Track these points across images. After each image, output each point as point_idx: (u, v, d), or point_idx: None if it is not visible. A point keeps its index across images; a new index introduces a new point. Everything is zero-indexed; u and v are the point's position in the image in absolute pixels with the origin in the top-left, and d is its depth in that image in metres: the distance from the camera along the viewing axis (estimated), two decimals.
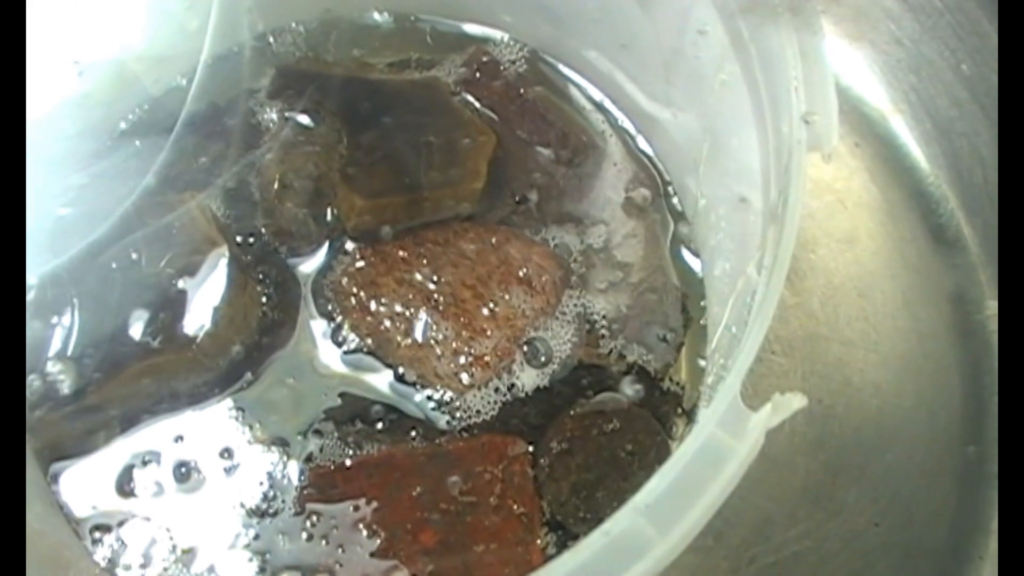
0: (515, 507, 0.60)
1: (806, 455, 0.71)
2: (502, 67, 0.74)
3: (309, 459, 0.62)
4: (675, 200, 0.70)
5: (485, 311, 0.65)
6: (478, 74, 0.73)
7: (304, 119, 0.70)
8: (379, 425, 0.62)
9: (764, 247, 0.52)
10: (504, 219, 0.68)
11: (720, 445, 0.43)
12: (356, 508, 0.60)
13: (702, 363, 0.65)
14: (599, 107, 0.74)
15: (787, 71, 0.51)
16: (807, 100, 0.50)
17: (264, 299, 0.66)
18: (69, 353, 0.62)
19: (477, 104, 0.72)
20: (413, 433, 0.62)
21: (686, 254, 0.69)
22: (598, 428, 0.63)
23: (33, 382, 0.62)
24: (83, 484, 0.61)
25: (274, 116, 0.71)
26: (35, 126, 0.65)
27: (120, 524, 0.60)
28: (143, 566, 0.59)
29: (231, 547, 0.60)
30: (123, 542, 0.60)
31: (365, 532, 0.59)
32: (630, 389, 0.64)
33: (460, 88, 0.73)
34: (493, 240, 0.67)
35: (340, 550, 0.59)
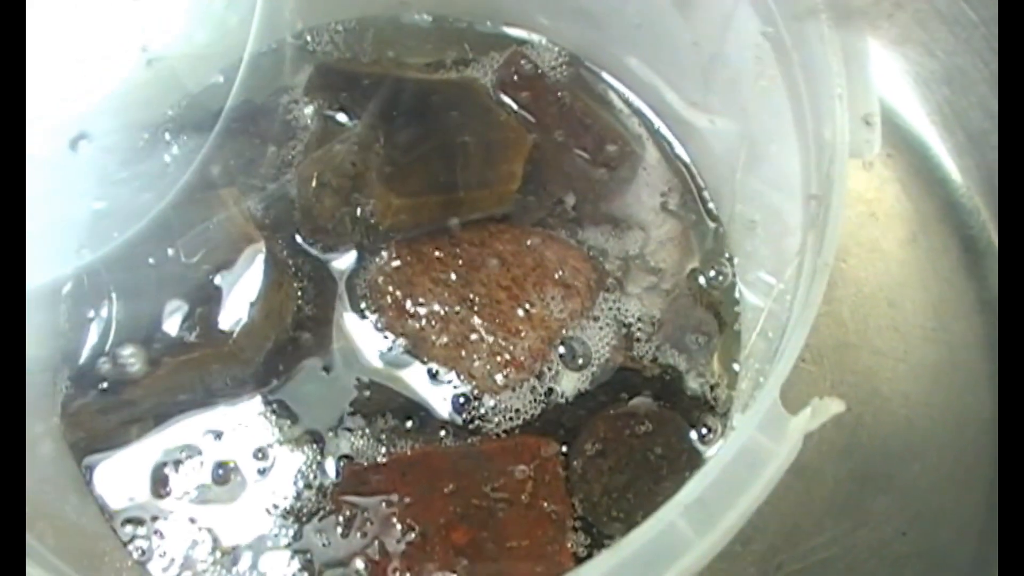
0: (546, 506, 0.60)
1: (834, 463, 0.70)
2: (539, 70, 0.74)
3: (343, 456, 0.62)
4: (711, 205, 0.70)
5: (520, 312, 0.65)
6: (515, 76, 0.73)
7: (342, 117, 0.71)
8: (412, 424, 0.63)
9: (803, 253, 0.52)
10: (540, 221, 0.69)
11: (759, 448, 0.44)
12: (389, 505, 0.60)
13: (736, 368, 0.65)
14: (636, 112, 0.74)
15: (831, 78, 0.51)
16: (855, 100, 0.50)
17: (300, 296, 0.66)
18: (107, 347, 0.63)
19: (514, 106, 0.73)
20: (446, 432, 0.63)
21: (721, 259, 0.69)
22: (630, 431, 0.63)
23: (70, 375, 0.63)
24: (117, 478, 0.62)
25: (312, 114, 0.71)
26: (73, 122, 0.66)
27: (154, 518, 0.61)
28: (176, 560, 0.60)
29: (264, 543, 0.60)
30: (157, 536, 0.60)
31: (399, 529, 0.59)
32: (663, 392, 0.64)
33: (497, 90, 0.73)
34: (529, 242, 0.67)
35: (374, 547, 0.59)
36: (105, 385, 0.62)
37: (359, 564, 0.59)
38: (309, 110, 0.72)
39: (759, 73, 0.60)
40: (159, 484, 0.61)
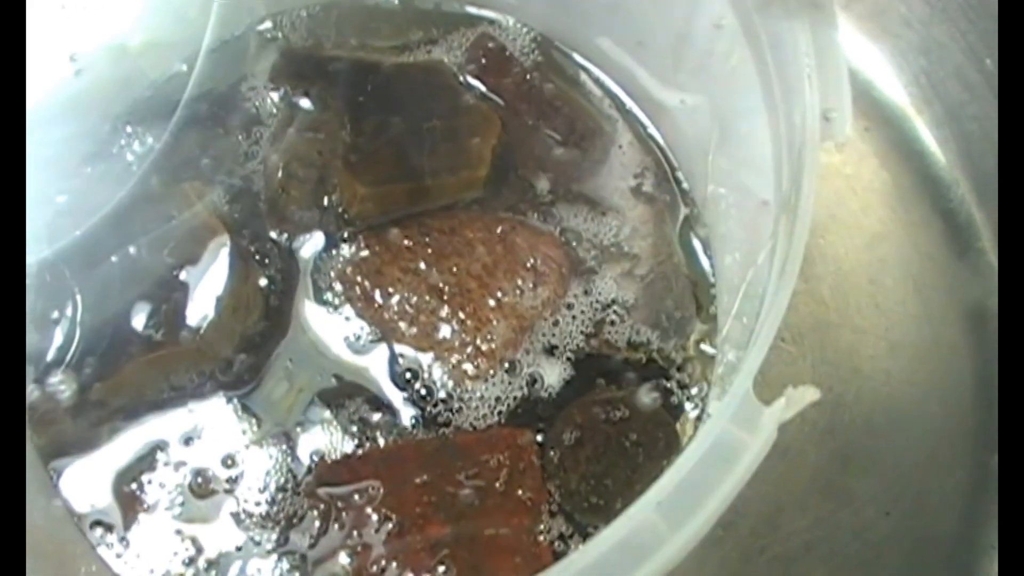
0: (522, 494, 0.60)
1: (816, 444, 0.70)
2: (508, 52, 0.73)
3: (314, 452, 0.61)
4: (685, 187, 0.69)
5: (491, 301, 0.64)
6: (483, 59, 0.72)
7: (307, 104, 0.69)
8: (383, 416, 0.62)
9: (776, 236, 0.51)
10: (511, 206, 0.68)
11: (733, 440, 0.43)
12: (364, 498, 0.59)
13: (712, 352, 0.64)
14: (607, 93, 0.73)
15: (800, 59, 0.50)
16: (821, 89, 0.49)
17: (267, 288, 0.65)
18: (72, 349, 0.62)
19: (483, 89, 0.71)
20: (417, 424, 0.62)
21: (696, 242, 0.68)
22: (607, 418, 0.62)
23: (35, 379, 0.62)
24: (86, 481, 0.61)
25: (276, 102, 0.70)
26: (33, 113, 0.64)
27: (124, 521, 0.60)
28: (147, 561, 0.59)
29: (237, 540, 0.59)
30: (128, 539, 0.59)
31: (376, 520, 0.58)
32: (639, 378, 0.63)
33: (465, 72, 0.72)
34: (499, 230, 0.66)
35: (353, 540, 0.58)
36: (70, 388, 0.61)
37: (342, 559, 0.58)
38: (274, 98, 0.70)
39: (729, 53, 0.58)
40: (129, 486, 0.60)
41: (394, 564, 0.58)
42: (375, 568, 0.58)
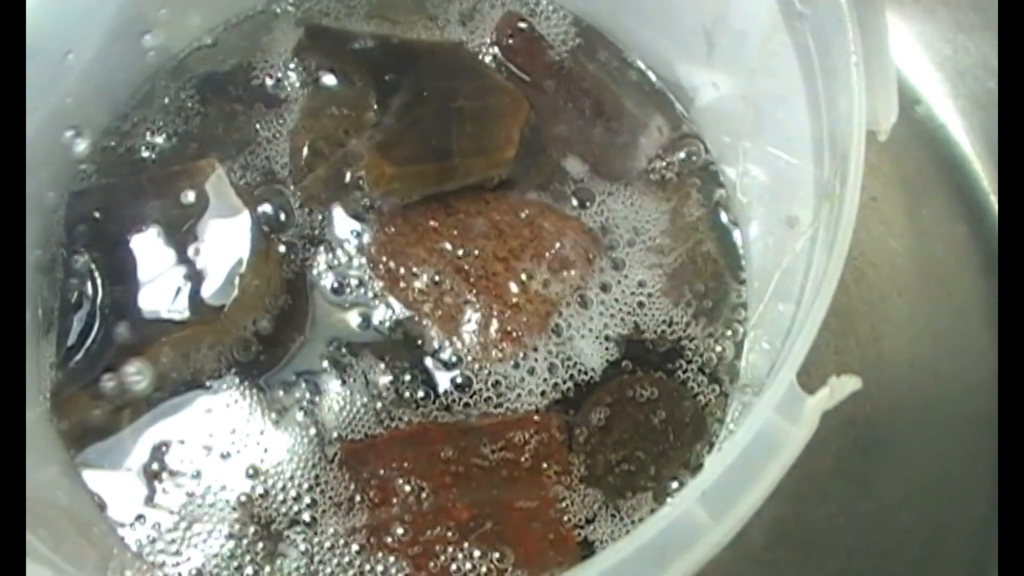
0: (547, 468, 0.60)
1: (838, 432, 0.70)
2: (536, 32, 0.72)
3: (339, 430, 0.61)
4: (716, 171, 0.69)
5: (517, 285, 0.64)
6: (511, 39, 0.71)
7: (331, 82, 0.69)
8: (407, 398, 0.61)
9: (817, 224, 0.51)
10: (539, 186, 0.67)
11: (777, 430, 0.43)
12: (389, 481, 0.59)
13: (742, 336, 0.64)
14: (638, 74, 0.72)
15: (846, 45, 0.49)
16: (868, 76, 0.48)
17: (289, 266, 0.64)
18: (93, 332, 0.61)
19: (512, 67, 0.71)
20: (441, 406, 0.61)
21: (727, 227, 0.67)
22: (634, 400, 0.62)
23: (57, 363, 0.61)
24: (109, 463, 0.60)
25: (300, 79, 0.70)
26: (48, 87, 0.63)
27: (147, 502, 0.59)
28: (171, 544, 0.59)
29: (260, 521, 0.59)
30: (150, 521, 0.59)
31: (403, 496, 0.58)
32: (668, 361, 0.63)
33: (492, 52, 0.71)
34: (526, 213, 0.66)
35: (376, 515, 0.58)
36: (93, 370, 0.60)
37: (369, 532, 0.58)
38: (298, 75, 0.70)
39: (767, 36, 0.58)
40: (152, 467, 0.60)
41: (421, 536, 0.58)
42: (403, 540, 0.58)
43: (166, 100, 0.70)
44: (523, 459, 0.60)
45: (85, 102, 0.66)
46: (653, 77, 0.72)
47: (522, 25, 0.72)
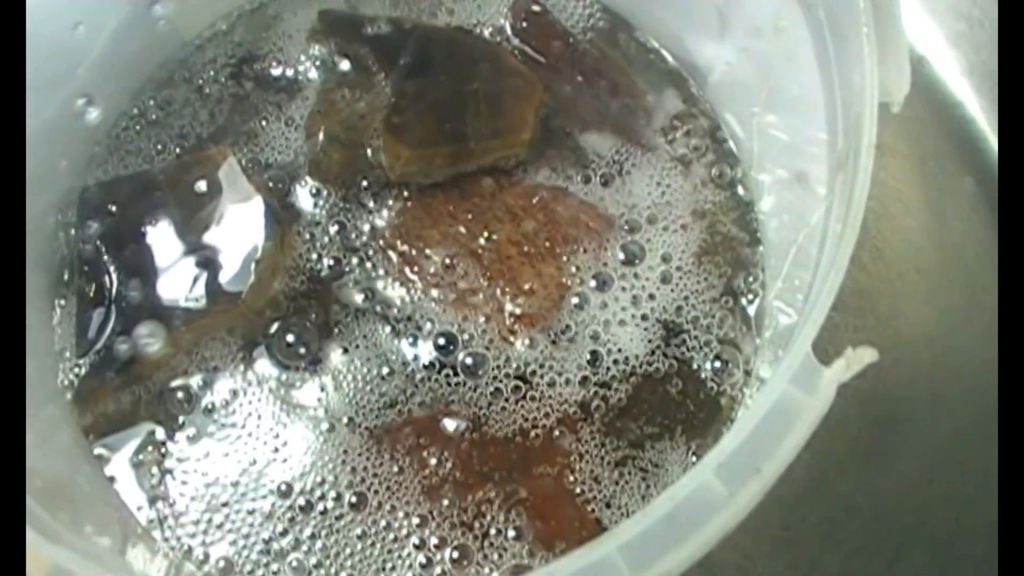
0: (563, 441, 0.61)
1: (858, 410, 0.69)
2: (550, 14, 0.72)
3: (354, 416, 0.61)
4: (731, 148, 0.68)
5: (531, 268, 0.64)
6: (525, 22, 0.71)
7: (346, 66, 0.69)
8: (422, 381, 0.62)
9: (831, 197, 0.51)
10: (555, 168, 0.67)
11: (793, 402, 0.43)
12: (403, 470, 0.60)
13: (755, 313, 0.64)
14: (652, 55, 0.72)
15: (857, 16, 0.49)
16: (880, 52, 0.48)
17: (305, 251, 0.65)
18: (111, 324, 0.62)
19: (526, 49, 0.71)
20: (457, 391, 0.61)
21: (742, 204, 0.67)
22: (652, 376, 0.62)
23: (76, 357, 0.62)
24: (129, 454, 0.61)
25: (315, 64, 0.70)
26: (59, 78, 0.64)
27: (167, 492, 0.60)
28: (189, 531, 0.59)
29: (279, 512, 0.59)
30: (171, 510, 0.60)
31: (419, 491, 0.59)
32: (684, 339, 0.63)
33: (508, 34, 0.71)
34: (541, 197, 0.66)
35: (393, 508, 0.59)
36: (114, 363, 0.61)
37: (390, 510, 0.59)
38: (312, 59, 0.70)
39: (777, 13, 0.58)
40: (171, 457, 0.61)
41: (437, 511, 0.59)
42: (428, 515, 0.59)
43: (180, 86, 0.70)
44: (540, 435, 0.60)
45: (97, 74, 0.66)
46: (667, 56, 0.71)
47: (536, 8, 0.72)
